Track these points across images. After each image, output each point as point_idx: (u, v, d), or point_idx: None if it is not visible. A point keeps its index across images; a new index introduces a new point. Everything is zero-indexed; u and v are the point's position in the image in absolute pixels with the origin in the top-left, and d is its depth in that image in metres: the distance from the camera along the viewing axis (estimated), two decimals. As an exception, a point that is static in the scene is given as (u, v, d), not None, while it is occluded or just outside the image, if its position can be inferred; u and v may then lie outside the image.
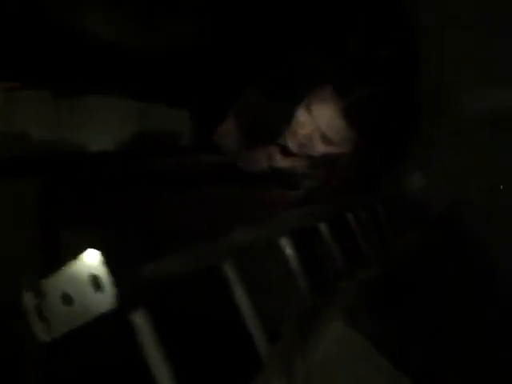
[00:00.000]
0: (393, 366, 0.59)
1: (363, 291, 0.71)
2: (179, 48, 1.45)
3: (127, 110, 1.50)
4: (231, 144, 1.32)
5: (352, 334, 0.63)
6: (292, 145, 1.24)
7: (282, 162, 1.25)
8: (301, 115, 1.24)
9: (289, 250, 0.87)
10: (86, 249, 0.61)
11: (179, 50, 1.45)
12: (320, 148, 1.22)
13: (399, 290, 0.73)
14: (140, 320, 0.61)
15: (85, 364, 0.83)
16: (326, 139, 1.21)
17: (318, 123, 1.21)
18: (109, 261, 0.60)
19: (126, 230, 1.08)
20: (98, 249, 0.61)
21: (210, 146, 1.36)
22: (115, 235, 1.00)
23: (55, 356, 0.81)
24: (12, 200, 1.22)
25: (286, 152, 1.25)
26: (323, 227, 0.95)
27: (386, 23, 1.30)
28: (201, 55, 1.42)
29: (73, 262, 0.61)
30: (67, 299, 0.61)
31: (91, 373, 0.82)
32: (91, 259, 0.60)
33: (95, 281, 0.59)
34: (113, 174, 1.32)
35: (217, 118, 1.39)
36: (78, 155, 1.45)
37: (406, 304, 0.70)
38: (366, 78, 1.24)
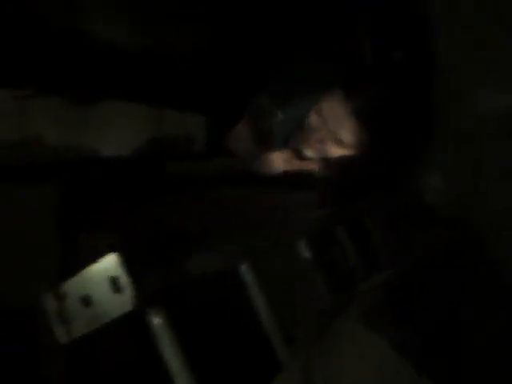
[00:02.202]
0: (415, 371, 0.59)
1: (382, 294, 0.71)
2: (194, 53, 1.46)
3: (142, 115, 1.51)
4: (245, 148, 1.32)
5: (372, 337, 0.62)
6: (305, 149, 1.24)
7: (296, 165, 1.25)
8: (313, 119, 1.24)
9: (306, 254, 0.87)
10: (105, 252, 0.62)
11: (194, 55, 1.46)
12: (333, 151, 1.22)
13: (419, 294, 0.72)
14: (159, 321, 0.62)
15: (104, 366, 0.83)
16: (338, 142, 1.20)
17: (330, 126, 1.21)
18: (128, 263, 0.60)
19: (142, 234, 1.09)
20: (116, 251, 0.61)
21: (223, 151, 1.36)
22: (132, 239, 1.00)
23: (75, 359, 0.81)
24: (30, 206, 1.23)
25: (300, 156, 1.25)
26: (340, 230, 0.95)
27: (400, 24, 1.30)
28: (215, 60, 1.43)
29: (92, 265, 0.62)
30: (87, 301, 0.61)
31: (110, 375, 0.82)
32: (110, 262, 0.61)
33: (114, 282, 0.60)
34: (128, 178, 1.32)
35: (231, 123, 1.40)
36: (93, 160, 1.46)
37: (427, 308, 0.70)
38: (377, 79, 1.23)
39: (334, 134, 1.22)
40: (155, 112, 1.50)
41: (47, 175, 1.33)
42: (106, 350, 0.79)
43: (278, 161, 1.26)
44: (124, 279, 0.59)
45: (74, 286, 0.62)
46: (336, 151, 1.22)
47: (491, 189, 1.20)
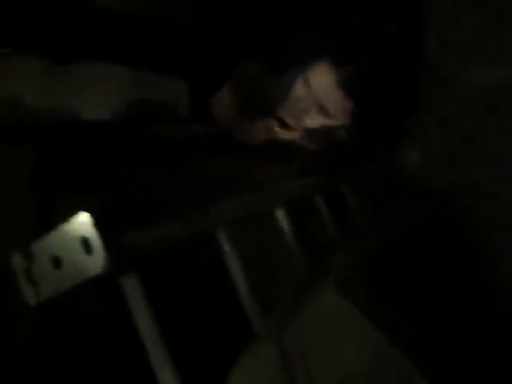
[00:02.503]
0: (383, 337, 0.59)
1: (356, 263, 0.70)
2: (178, 18, 1.43)
3: (124, 78, 1.48)
4: (227, 115, 1.30)
5: (343, 304, 0.62)
6: (289, 118, 1.23)
7: (279, 134, 1.24)
8: (298, 88, 1.23)
9: (283, 222, 0.86)
10: (77, 212, 0.60)
11: (178, 20, 1.43)
12: (317, 120, 1.21)
13: (392, 263, 0.72)
14: (130, 283, 0.60)
15: (74, 329, 0.82)
16: (323, 111, 1.20)
17: (316, 95, 1.20)
18: (100, 224, 0.58)
19: (118, 198, 1.07)
20: (90, 212, 0.59)
21: (206, 118, 1.35)
22: (108, 202, 0.98)
23: (45, 321, 0.80)
24: (6, 167, 1.21)
25: (283, 125, 1.24)
26: (318, 199, 0.94)
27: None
28: (199, 26, 1.40)
29: (64, 225, 0.60)
30: (57, 262, 0.60)
31: (81, 338, 0.81)
32: (82, 222, 0.59)
33: (86, 244, 0.58)
34: (108, 142, 1.30)
35: (214, 89, 1.37)
36: (72, 123, 1.43)
37: (398, 277, 0.69)
38: (367, 51, 1.22)
39: (318, 104, 1.20)
40: (138, 75, 1.48)
41: (26, 136, 1.31)
42: (76, 312, 0.78)
43: (262, 129, 1.24)
44: (95, 240, 0.58)
45: (43, 246, 0.60)
46: (319, 121, 1.21)
47: (471, 163, 1.20)
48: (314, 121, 1.22)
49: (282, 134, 1.24)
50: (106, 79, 1.46)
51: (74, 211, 0.60)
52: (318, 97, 1.21)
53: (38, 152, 1.24)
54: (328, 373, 0.56)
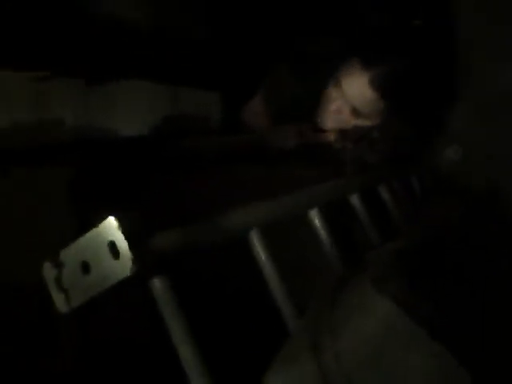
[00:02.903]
0: (428, 334, 0.56)
1: (393, 261, 0.67)
2: (206, 30, 1.44)
3: (158, 93, 1.50)
4: (260, 123, 1.30)
5: (384, 303, 0.59)
6: (323, 120, 1.22)
7: (312, 138, 1.22)
8: (330, 90, 1.21)
9: (318, 222, 0.84)
10: (105, 217, 0.60)
11: (206, 32, 1.44)
12: (351, 122, 1.20)
13: (429, 260, 0.69)
14: (160, 286, 0.59)
15: (106, 335, 0.82)
16: (356, 112, 1.18)
17: (348, 96, 1.19)
18: (125, 227, 0.58)
19: (151, 207, 1.07)
20: (116, 217, 0.59)
21: (239, 127, 1.34)
22: (137, 208, 0.98)
23: (77, 328, 0.80)
24: (46, 187, 1.23)
25: (316, 128, 1.23)
26: (354, 199, 0.92)
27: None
28: (228, 36, 1.41)
29: (91, 230, 0.60)
30: (86, 268, 0.59)
31: (112, 343, 0.80)
32: (109, 226, 0.59)
33: (113, 248, 0.58)
34: (142, 156, 1.31)
35: (246, 98, 1.37)
36: (110, 140, 1.45)
37: (436, 274, 0.66)
38: (395, 48, 1.20)
39: (351, 105, 1.19)
40: (171, 90, 1.49)
41: (65, 157, 1.33)
42: (106, 318, 0.78)
43: (294, 134, 1.23)
44: (122, 243, 0.57)
45: (72, 252, 0.60)
46: (353, 122, 1.19)
47: (509, 161, 1.16)
48: (348, 122, 1.20)
49: (316, 138, 1.22)
50: (139, 95, 1.48)
51: (102, 217, 0.60)
52: (350, 99, 1.19)
53: (76, 171, 1.26)
54: (366, 370, 0.54)
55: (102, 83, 1.46)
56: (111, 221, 0.58)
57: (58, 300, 0.61)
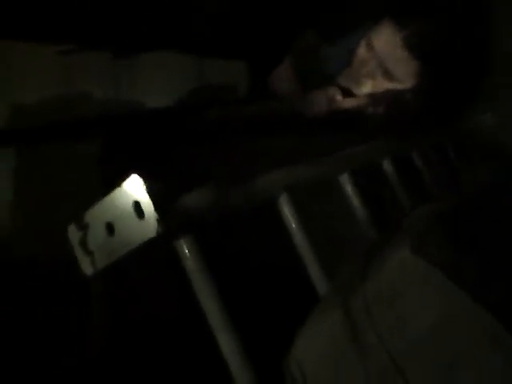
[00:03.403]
0: (471, 298, 0.53)
1: (432, 221, 0.64)
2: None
3: (184, 65, 1.48)
4: (288, 89, 1.26)
5: (419, 263, 0.56)
6: (353, 84, 1.17)
7: (342, 103, 1.19)
8: (361, 52, 1.17)
9: (349, 188, 0.81)
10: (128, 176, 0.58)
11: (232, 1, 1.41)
12: (383, 84, 1.15)
13: (472, 223, 0.65)
14: (185, 245, 0.58)
15: (133, 296, 0.81)
16: (389, 74, 1.13)
17: (380, 57, 1.14)
18: (151, 187, 0.56)
19: (181, 180, 1.06)
20: (141, 176, 0.57)
21: (267, 95, 1.31)
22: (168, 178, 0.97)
23: (104, 291, 0.79)
24: (75, 161, 1.23)
25: (346, 93, 1.19)
26: (387, 164, 0.89)
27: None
28: (253, 3, 1.37)
29: (115, 190, 0.58)
30: (111, 228, 0.58)
31: (139, 305, 0.80)
32: (133, 185, 0.57)
33: (138, 208, 0.56)
34: (171, 128, 1.30)
35: (273, 65, 1.34)
36: (137, 113, 1.44)
37: (483, 236, 0.63)
38: (430, 10, 1.15)
39: (384, 67, 1.14)
40: (197, 61, 1.47)
41: (93, 131, 1.33)
42: (133, 279, 0.77)
43: (324, 99, 1.20)
44: (147, 203, 0.55)
45: (97, 213, 0.59)
46: (385, 85, 1.15)
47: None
48: (380, 85, 1.16)
49: (346, 103, 1.18)
50: (165, 67, 1.46)
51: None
52: (382, 59, 1.14)
53: (106, 144, 1.25)
54: (399, 328, 0.51)
55: (128, 56, 1.44)
56: (136, 179, 0.56)
57: (84, 263, 0.60)
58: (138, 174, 0.58)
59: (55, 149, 1.27)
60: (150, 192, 0.55)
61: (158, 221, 0.55)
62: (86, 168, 1.25)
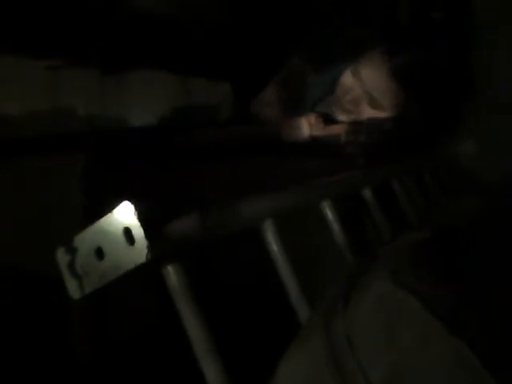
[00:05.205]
0: (446, 330, 0.55)
1: (410, 252, 0.67)
2: (219, 20, 1.43)
3: (169, 84, 1.49)
4: (271, 113, 1.29)
5: (399, 293, 0.58)
6: (337, 111, 1.20)
7: (323, 130, 1.21)
8: (347, 80, 1.20)
9: (330, 214, 0.84)
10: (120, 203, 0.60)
11: (219, 22, 1.43)
12: (367, 112, 1.18)
13: (451, 251, 0.68)
14: (173, 273, 0.59)
15: (119, 320, 0.82)
16: (374, 103, 1.16)
17: (367, 86, 1.17)
18: (141, 213, 0.58)
19: (166, 200, 1.07)
20: (131, 202, 0.59)
21: (250, 118, 1.34)
22: (156, 203, 0.98)
23: (90, 314, 0.80)
24: (57, 175, 1.23)
25: (327, 120, 1.22)
26: (367, 193, 0.92)
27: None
28: (240, 26, 1.40)
29: (106, 215, 0.60)
30: (100, 253, 0.59)
31: (125, 329, 0.81)
32: (124, 211, 0.58)
33: (128, 234, 0.58)
34: (156, 147, 1.31)
35: (257, 89, 1.37)
36: (121, 130, 1.45)
37: (460, 266, 0.65)
38: (416, 40, 1.18)
39: (370, 95, 1.17)
40: (182, 80, 1.49)
41: (77, 146, 1.33)
42: (120, 304, 0.78)
43: (305, 125, 1.22)
44: (137, 229, 0.57)
45: (86, 237, 0.60)
46: (370, 113, 1.18)
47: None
48: (364, 113, 1.19)
49: (327, 130, 1.21)
50: (151, 86, 1.48)
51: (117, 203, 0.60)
52: (368, 88, 1.17)
53: (88, 160, 1.26)
54: (379, 358, 0.53)
55: (115, 73, 1.46)
56: (127, 206, 0.58)
57: (71, 286, 0.61)
58: (129, 200, 0.60)
59: (39, 162, 1.27)
60: (141, 218, 0.56)
61: (148, 247, 0.56)
62: (69, 183, 1.25)
